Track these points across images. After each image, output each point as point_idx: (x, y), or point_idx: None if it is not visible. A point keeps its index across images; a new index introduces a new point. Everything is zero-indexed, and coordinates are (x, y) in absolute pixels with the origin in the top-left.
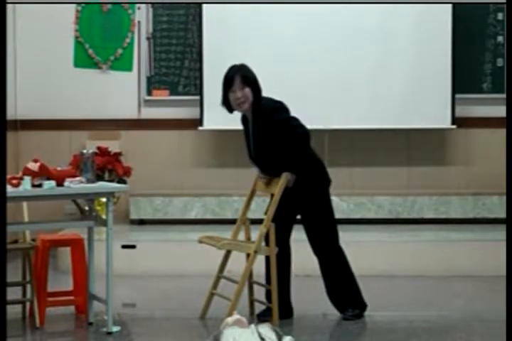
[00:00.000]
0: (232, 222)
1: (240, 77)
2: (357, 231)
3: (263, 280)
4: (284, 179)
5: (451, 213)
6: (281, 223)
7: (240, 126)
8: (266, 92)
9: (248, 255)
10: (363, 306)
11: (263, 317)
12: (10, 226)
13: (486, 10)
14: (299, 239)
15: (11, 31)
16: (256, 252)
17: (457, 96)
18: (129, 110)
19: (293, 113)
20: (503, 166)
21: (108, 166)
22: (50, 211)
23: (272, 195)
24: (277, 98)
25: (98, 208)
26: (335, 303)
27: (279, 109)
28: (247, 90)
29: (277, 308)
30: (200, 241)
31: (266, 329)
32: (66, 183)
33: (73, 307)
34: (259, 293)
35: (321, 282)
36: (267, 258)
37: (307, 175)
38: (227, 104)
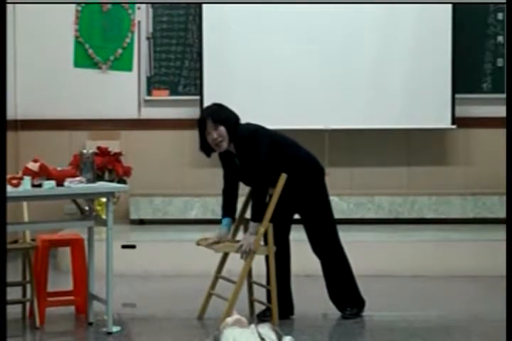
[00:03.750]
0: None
1: (210, 118)
2: (357, 231)
3: (263, 280)
4: (282, 180)
5: (451, 213)
6: (280, 222)
7: None
8: (266, 92)
9: None
10: (361, 304)
11: (263, 317)
12: (10, 226)
13: (486, 10)
14: (299, 239)
15: (11, 31)
16: (254, 252)
17: (457, 96)
18: (129, 110)
19: (293, 113)
20: (503, 166)
21: (108, 166)
22: (50, 211)
23: (271, 196)
24: (277, 98)
25: (98, 208)
26: (335, 302)
27: (254, 138)
28: (222, 129)
29: (277, 308)
30: (198, 244)
31: (266, 330)
32: (66, 183)
33: (73, 307)
34: (261, 293)
35: (320, 282)
36: (268, 258)
37: (299, 172)
38: (206, 148)
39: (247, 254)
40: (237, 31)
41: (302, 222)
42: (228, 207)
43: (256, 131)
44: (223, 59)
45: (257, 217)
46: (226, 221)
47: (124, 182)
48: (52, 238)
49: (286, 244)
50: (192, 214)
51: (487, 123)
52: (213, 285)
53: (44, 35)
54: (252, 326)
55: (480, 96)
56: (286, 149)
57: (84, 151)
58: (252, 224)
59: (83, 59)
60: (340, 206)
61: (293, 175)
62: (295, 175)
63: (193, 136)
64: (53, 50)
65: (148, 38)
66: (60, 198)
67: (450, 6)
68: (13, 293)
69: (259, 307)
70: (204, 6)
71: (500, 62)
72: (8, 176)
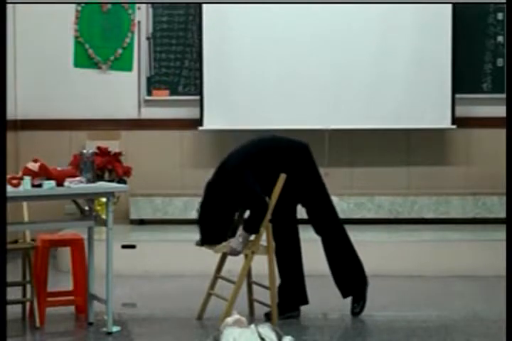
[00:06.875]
0: None
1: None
2: (357, 231)
3: (263, 280)
4: (282, 180)
5: (451, 213)
6: (282, 219)
7: (240, 126)
8: (266, 92)
9: (246, 255)
10: (364, 284)
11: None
12: (10, 226)
13: (486, 10)
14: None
15: (11, 31)
16: (253, 252)
17: (457, 96)
18: (129, 110)
19: (293, 113)
20: (503, 166)
21: (108, 166)
22: (50, 211)
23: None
24: (277, 98)
25: (98, 208)
26: (339, 285)
27: (235, 176)
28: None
29: (276, 308)
30: (197, 244)
31: (266, 330)
32: (66, 183)
33: (73, 307)
34: (261, 293)
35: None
36: (277, 257)
37: (288, 162)
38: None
39: (235, 255)
40: (237, 31)
41: (303, 206)
42: None
43: (233, 171)
44: (223, 59)
45: (251, 229)
46: None
47: (124, 182)
48: (52, 238)
49: (295, 239)
50: (192, 214)
51: (487, 123)
52: (213, 285)
53: (44, 35)
54: (252, 326)
55: (480, 96)
56: (267, 152)
57: (84, 151)
58: (243, 233)
59: (83, 59)
60: (341, 206)
61: (285, 167)
62: (286, 166)
63: (193, 136)
64: (53, 50)
65: (148, 38)
66: (60, 198)
67: (450, 6)
68: (13, 293)
69: (259, 307)
70: (204, 6)
71: (500, 62)
72: (8, 176)
